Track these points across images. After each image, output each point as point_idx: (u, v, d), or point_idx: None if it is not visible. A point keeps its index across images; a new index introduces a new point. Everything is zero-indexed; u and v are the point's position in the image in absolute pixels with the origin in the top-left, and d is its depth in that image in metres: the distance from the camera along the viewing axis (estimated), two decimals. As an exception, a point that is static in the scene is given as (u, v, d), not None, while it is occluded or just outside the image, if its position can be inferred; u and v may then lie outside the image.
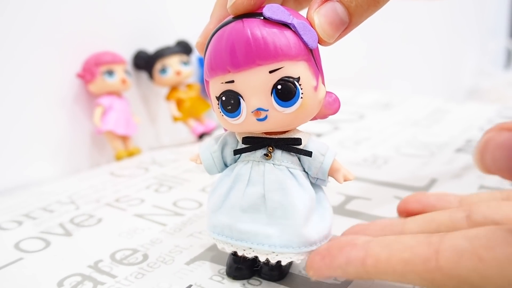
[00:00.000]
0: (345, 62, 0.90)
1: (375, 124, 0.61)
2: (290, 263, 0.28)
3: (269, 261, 0.26)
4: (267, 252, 0.25)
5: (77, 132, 0.52)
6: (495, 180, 0.41)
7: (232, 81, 0.24)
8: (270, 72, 0.23)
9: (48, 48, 0.48)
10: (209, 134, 0.59)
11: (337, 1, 0.24)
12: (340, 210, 0.36)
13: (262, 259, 0.26)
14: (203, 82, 0.67)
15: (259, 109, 0.24)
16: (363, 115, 0.66)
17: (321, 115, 0.26)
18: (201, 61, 0.63)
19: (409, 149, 0.51)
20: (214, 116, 0.64)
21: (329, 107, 0.25)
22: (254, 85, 0.23)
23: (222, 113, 0.25)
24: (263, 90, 0.23)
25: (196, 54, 0.61)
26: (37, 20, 0.47)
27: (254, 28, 0.23)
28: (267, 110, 0.24)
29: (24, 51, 0.46)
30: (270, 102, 0.24)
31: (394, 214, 0.35)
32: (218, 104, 0.24)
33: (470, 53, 1.66)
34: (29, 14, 0.46)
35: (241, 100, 0.24)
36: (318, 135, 0.57)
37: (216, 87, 0.24)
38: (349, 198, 0.38)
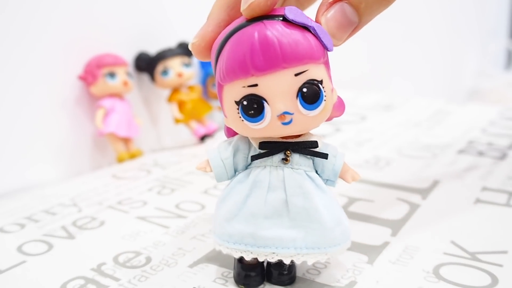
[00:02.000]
0: (346, 63, 0.90)
1: (377, 126, 0.61)
2: (295, 266, 0.28)
3: (294, 263, 0.26)
4: (292, 254, 0.25)
5: (79, 134, 0.52)
6: (497, 182, 0.41)
7: (256, 85, 0.23)
8: (296, 75, 0.23)
9: (49, 50, 0.48)
10: (210, 136, 0.59)
11: (346, 2, 0.24)
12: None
13: (286, 261, 0.25)
14: (204, 84, 0.67)
15: (285, 113, 0.23)
16: (364, 116, 0.66)
17: (328, 118, 0.26)
18: (203, 63, 0.63)
19: (411, 151, 0.51)
20: (216, 118, 0.64)
21: (337, 109, 0.26)
22: (280, 89, 0.23)
23: (242, 118, 0.24)
24: (288, 94, 0.23)
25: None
26: (38, 23, 0.47)
27: (277, 30, 0.22)
28: (293, 114, 0.23)
29: (26, 53, 0.46)
30: (296, 106, 0.23)
31: (398, 215, 0.35)
32: (238, 108, 0.24)
33: (471, 54, 1.66)
34: (31, 16, 0.46)
35: (265, 104, 0.23)
36: (323, 136, 0.57)
37: (236, 91, 0.23)
38: (352, 200, 0.38)
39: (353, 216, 0.36)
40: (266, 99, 0.23)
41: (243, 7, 0.23)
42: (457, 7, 1.48)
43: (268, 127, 0.24)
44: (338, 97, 0.26)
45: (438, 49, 1.40)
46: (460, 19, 1.52)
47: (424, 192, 0.39)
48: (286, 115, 0.23)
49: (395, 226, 0.34)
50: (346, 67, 0.90)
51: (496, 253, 0.30)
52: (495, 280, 0.27)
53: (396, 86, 1.21)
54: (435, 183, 0.41)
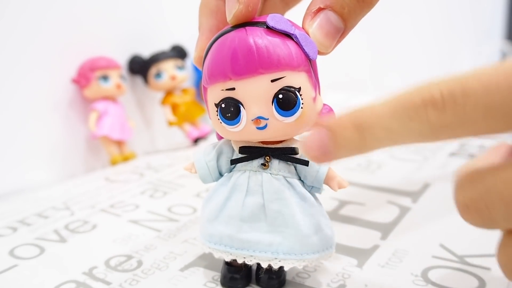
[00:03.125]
0: (338, 65, 0.91)
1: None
2: (285, 271, 0.28)
3: (271, 267, 0.26)
4: (269, 258, 0.25)
5: (72, 137, 0.52)
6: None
7: (233, 89, 0.23)
8: (272, 81, 0.23)
9: (42, 54, 0.48)
10: (204, 139, 0.59)
11: (329, 9, 0.24)
12: (333, 215, 0.37)
13: (264, 265, 0.26)
14: (198, 87, 0.67)
15: (259, 118, 0.24)
16: (357, 118, 0.66)
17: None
18: (195, 66, 0.63)
19: (403, 154, 0.51)
20: (209, 120, 0.64)
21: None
22: (256, 93, 0.23)
23: (220, 120, 0.24)
24: (264, 99, 0.23)
25: (191, 59, 0.61)
26: (32, 26, 0.47)
27: (257, 37, 0.23)
28: (267, 119, 0.24)
29: (19, 57, 0.46)
30: (271, 111, 0.24)
31: (388, 218, 0.36)
32: (217, 111, 0.24)
33: (465, 55, 1.67)
34: (24, 20, 0.46)
35: (241, 107, 0.24)
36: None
37: (216, 94, 0.24)
38: (342, 203, 0.39)
39: (343, 219, 0.36)
40: (243, 103, 0.24)
41: (228, 17, 0.24)
42: (451, 8, 1.48)
43: (244, 130, 0.24)
44: (328, 106, 0.26)
45: (432, 50, 1.41)
46: (455, 20, 1.52)
47: (415, 195, 0.40)
48: (261, 120, 0.24)
49: (385, 229, 0.34)
50: (338, 68, 0.90)
51: (484, 256, 0.30)
52: (482, 283, 0.27)
53: (390, 87, 1.21)
54: (425, 186, 0.42)
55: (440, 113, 0.19)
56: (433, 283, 0.27)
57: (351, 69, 1.02)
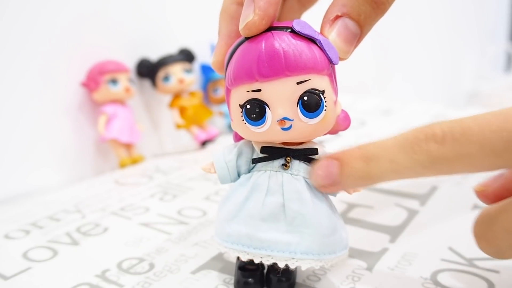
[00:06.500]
0: (345, 68, 0.91)
1: (376, 131, 0.62)
2: (295, 273, 0.28)
3: (288, 267, 0.26)
4: (286, 258, 0.25)
5: (81, 140, 0.53)
6: (495, 188, 0.41)
7: (259, 90, 0.24)
8: (298, 83, 0.24)
9: (52, 57, 0.49)
10: (212, 141, 0.60)
11: (347, 16, 0.25)
12: (342, 218, 0.37)
13: (281, 265, 0.26)
14: (205, 90, 0.67)
15: (284, 119, 0.24)
16: (364, 121, 0.67)
17: (333, 131, 0.27)
18: (203, 69, 0.64)
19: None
20: (217, 123, 0.65)
21: (342, 124, 0.26)
22: (281, 95, 0.24)
23: (245, 121, 0.25)
24: (289, 100, 0.24)
25: (198, 62, 0.62)
26: (41, 29, 0.47)
27: (284, 41, 0.24)
28: (292, 120, 0.24)
29: (28, 60, 0.47)
30: (296, 113, 0.24)
31: (396, 221, 0.36)
32: (242, 112, 0.25)
33: (470, 57, 1.67)
34: (33, 23, 0.47)
35: (267, 108, 0.24)
36: (320, 142, 0.57)
37: (241, 95, 0.25)
38: (351, 206, 0.39)
39: (352, 222, 0.36)
40: (268, 104, 0.24)
41: (241, 26, 0.25)
42: (456, 10, 1.48)
43: (269, 131, 0.25)
44: (344, 111, 0.26)
45: (438, 52, 1.41)
46: (460, 22, 1.52)
47: (423, 198, 0.40)
48: (286, 121, 0.24)
49: (394, 232, 0.34)
50: (344, 71, 0.90)
51: (493, 259, 0.30)
52: (491, 286, 0.27)
53: (396, 89, 1.21)
54: (433, 189, 0.42)
55: (440, 146, 0.22)
56: (443, 286, 0.27)
57: (356, 72, 1.02)
